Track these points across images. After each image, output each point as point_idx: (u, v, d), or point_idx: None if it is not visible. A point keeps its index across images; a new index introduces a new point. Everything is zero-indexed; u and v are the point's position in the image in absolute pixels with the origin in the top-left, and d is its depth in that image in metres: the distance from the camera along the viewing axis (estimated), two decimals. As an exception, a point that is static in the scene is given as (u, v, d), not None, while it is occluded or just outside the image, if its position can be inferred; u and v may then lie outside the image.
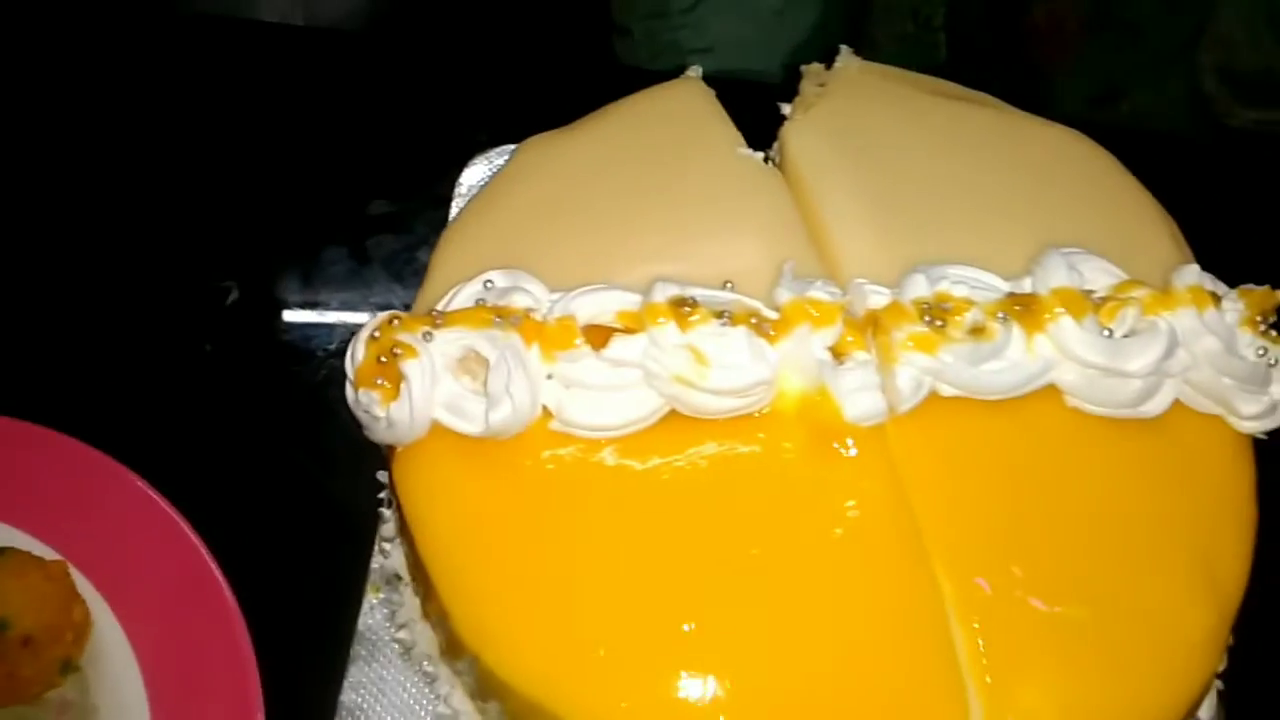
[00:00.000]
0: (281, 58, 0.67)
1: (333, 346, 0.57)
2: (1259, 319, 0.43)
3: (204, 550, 0.47)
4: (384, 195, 0.61)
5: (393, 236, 0.60)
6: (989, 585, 0.39)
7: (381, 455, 0.51)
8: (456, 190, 0.60)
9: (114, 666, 0.46)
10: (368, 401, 0.41)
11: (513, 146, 0.60)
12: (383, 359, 0.40)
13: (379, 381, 0.40)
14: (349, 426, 0.56)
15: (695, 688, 0.37)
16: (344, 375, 0.57)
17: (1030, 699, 0.38)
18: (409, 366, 0.40)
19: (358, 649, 0.49)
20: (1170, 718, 0.39)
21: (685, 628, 0.38)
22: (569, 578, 0.39)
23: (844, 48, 0.51)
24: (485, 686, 0.40)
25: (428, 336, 0.40)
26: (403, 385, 0.40)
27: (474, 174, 0.60)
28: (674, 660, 0.37)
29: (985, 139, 0.48)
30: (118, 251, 0.60)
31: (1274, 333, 0.43)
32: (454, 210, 0.59)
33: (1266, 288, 0.44)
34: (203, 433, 0.55)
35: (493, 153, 0.60)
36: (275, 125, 0.64)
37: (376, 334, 0.41)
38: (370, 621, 0.49)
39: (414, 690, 0.48)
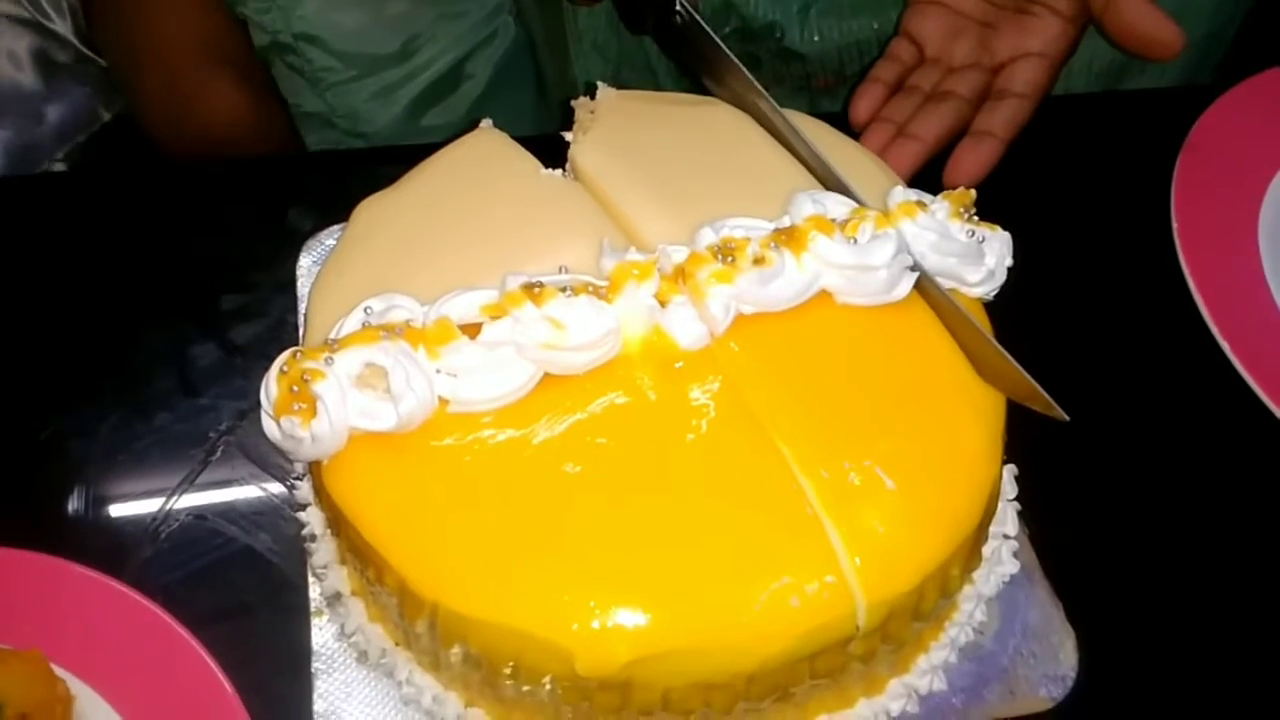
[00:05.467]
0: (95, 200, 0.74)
1: (223, 426, 0.63)
2: (963, 211, 0.56)
3: (160, 611, 0.52)
4: (233, 291, 0.68)
5: (252, 323, 0.67)
6: (820, 440, 0.49)
7: (294, 499, 0.57)
8: (299, 271, 0.67)
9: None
10: (290, 427, 0.48)
11: (338, 226, 0.68)
12: (294, 388, 0.48)
13: (296, 407, 0.47)
14: (257, 489, 0.62)
15: (612, 578, 0.46)
16: (239, 450, 0.63)
17: (873, 519, 0.48)
18: (320, 387, 0.47)
19: (317, 666, 0.55)
20: (974, 509, 0.50)
21: (592, 537, 0.47)
22: (495, 522, 0.47)
23: (600, 83, 0.62)
24: (448, 634, 0.47)
25: (329, 360, 0.48)
26: (318, 404, 0.47)
27: (309, 258, 0.68)
28: (588, 561, 0.46)
29: (725, 127, 0.61)
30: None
31: (976, 219, 0.56)
32: (300, 285, 0.66)
33: (962, 189, 0.57)
34: (125, 519, 0.60)
35: (322, 234, 0.69)
36: (126, 249, 0.70)
37: (285, 368, 0.48)
38: (323, 639, 0.55)
39: (375, 684, 0.54)
